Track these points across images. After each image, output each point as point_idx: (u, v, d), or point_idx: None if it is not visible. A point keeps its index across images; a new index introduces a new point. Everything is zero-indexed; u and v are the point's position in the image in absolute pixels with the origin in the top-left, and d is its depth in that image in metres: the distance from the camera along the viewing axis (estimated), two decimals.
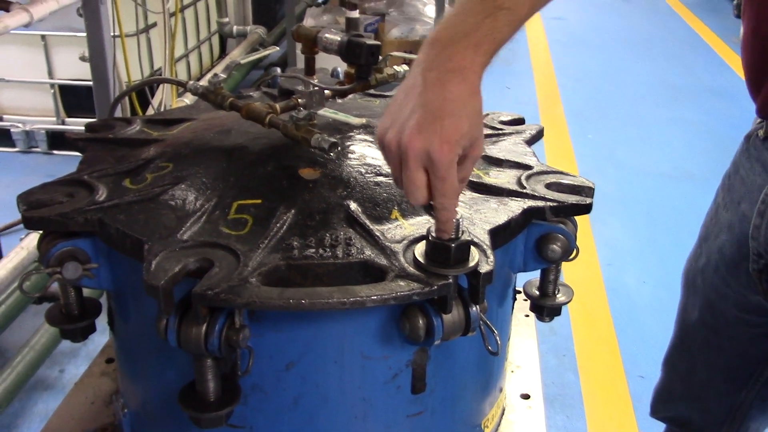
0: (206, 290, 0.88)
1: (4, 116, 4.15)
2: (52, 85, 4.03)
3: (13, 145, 4.18)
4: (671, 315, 1.66)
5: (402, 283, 0.92)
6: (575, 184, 1.20)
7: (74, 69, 3.85)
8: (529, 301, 1.31)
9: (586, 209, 1.15)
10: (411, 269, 0.95)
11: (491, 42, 0.89)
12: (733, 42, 7.02)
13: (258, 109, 1.18)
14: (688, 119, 5.16)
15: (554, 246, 1.14)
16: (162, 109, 3.36)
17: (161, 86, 3.56)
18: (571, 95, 5.57)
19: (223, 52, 5.37)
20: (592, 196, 1.17)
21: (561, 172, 1.24)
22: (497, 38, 0.90)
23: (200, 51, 4.93)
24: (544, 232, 1.15)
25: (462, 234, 0.94)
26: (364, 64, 1.20)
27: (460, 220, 0.93)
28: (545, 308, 1.27)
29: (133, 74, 3.27)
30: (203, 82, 1.29)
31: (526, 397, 1.40)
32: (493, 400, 1.27)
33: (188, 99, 3.76)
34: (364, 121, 1.21)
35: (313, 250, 0.98)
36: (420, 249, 0.97)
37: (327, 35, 1.22)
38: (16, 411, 2.38)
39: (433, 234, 0.95)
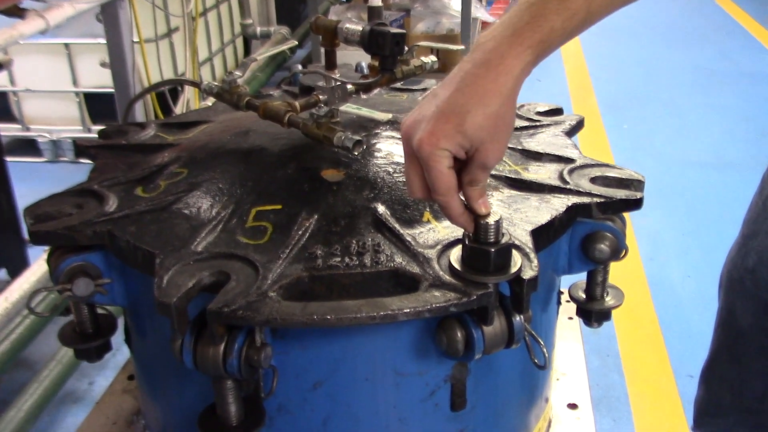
0: (222, 307, 0.81)
1: (31, 126, 4.13)
2: (77, 94, 4.00)
3: (41, 155, 4.16)
4: None
5: (437, 294, 0.84)
6: (622, 177, 1.10)
7: (99, 77, 3.82)
8: (572, 302, 1.22)
9: (636, 205, 1.06)
10: (446, 277, 0.86)
11: (535, 31, 0.81)
12: None
13: (276, 107, 1.10)
14: (727, 106, 4.98)
15: (602, 245, 1.06)
16: None
17: (185, 90, 3.51)
18: (604, 85, 5.42)
19: (248, 54, 5.31)
20: (642, 190, 1.08)
21: (606, 165, 1.14)
22: (544, 29, 0.81)
23: (224, 54, 4.87)
24: (590, 231, 1.06)
25: (502, 237, 0.85)
26: (389, 55, 1.12)
27: (500, 221, 0.84)
28: (593, 313, 1.18)
29: (155, 79, 3.22)
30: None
31: (573, 407, 1.31)
32: (539, 413, 1.18)
33: (212, 102, 3.70)
34: (390, 116, 1.12)
35: (339, 259, 0.90)
36: (456, 254, 0.88)
37: (348, 25, 1.13)
38: (45, 425, 2.33)
39: (471, 237, 0.86)
